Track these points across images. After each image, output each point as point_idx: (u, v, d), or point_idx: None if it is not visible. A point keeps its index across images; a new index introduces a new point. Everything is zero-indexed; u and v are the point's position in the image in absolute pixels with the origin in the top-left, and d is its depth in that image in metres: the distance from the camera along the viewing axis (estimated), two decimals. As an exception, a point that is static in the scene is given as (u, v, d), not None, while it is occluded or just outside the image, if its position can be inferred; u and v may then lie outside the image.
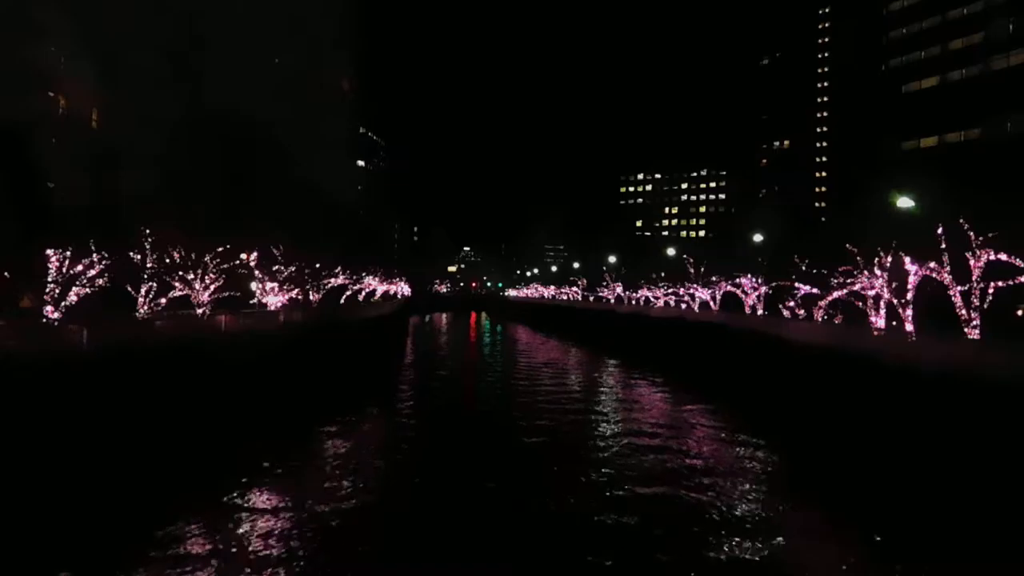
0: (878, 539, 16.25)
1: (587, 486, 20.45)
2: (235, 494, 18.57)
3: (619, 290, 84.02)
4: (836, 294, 34.18)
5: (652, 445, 25.56)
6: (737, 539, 16.22)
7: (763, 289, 46.53)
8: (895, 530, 16.69)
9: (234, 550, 15.05)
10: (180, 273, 31.53)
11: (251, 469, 20.72)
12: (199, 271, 32.06)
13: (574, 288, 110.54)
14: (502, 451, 24.89)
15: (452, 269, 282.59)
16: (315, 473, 21.22)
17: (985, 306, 24.80)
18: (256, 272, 40.21)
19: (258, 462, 21.42)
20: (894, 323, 30.50)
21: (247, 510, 17.59)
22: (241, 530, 16.21)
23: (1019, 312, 39.40)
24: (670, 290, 68.68)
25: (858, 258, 32.23)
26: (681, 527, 17.02)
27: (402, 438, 27.29)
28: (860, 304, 32.20)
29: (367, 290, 74.94)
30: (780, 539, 16.30)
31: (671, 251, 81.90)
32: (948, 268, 25.59)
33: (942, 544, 15.93)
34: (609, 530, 16.78)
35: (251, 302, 41.46)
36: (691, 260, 60.98)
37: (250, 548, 15.17)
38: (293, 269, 43.71)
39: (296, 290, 45.41)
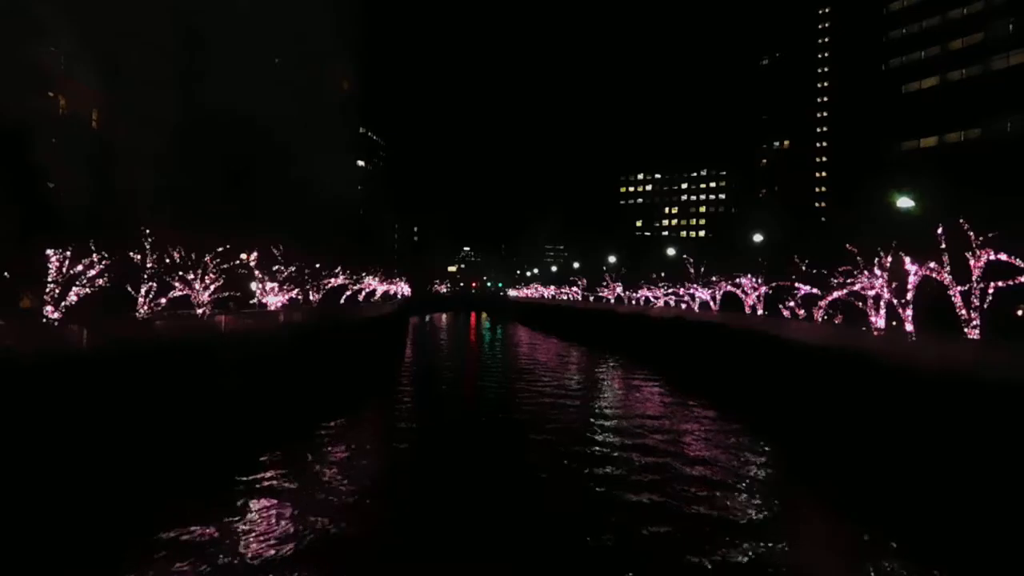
0: (882, 540, 16.25)
1: (588, 493, 20.47)
2: (233, 496, 18.58)
3: (619, 290, 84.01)
4: (836, 294, 34.15)
5: (653, 454, 25.55)
6: (737, 536, 16.24)
7: (763, 289, 46.51)
8: (899, 532, 16.69)
9: (230, 553, 15.03)
10: (180, 273, 31.51)
11: (249, 471, 20.75)
12: (199, 271, 32.06)
13: (574, 288, 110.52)
14: (502, 456, 24.76)
15: (452, 269, 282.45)
16: (315, 476, 21.20)
17: (985, 306, 24.78)
18: (256, 272, 40.20)
19: (257, 464, 21.45)
20: (894, 323, 30.50)
21: (245, 512, 17.59)
22: (238, 532, 16.20)
23: (1019, 312, 39.41)
24: (670, 290, 68.68)
25: (858, 258, 32.22)
26: (679, 514, 17.06)
27: (402, 441, 27.24)
28: (860, 304, 32.16)
29: (367, 290, 74.92)
30: (785, 540, 16.30)
31: (671, 251, 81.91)
32: (948, 268, 25.58)
33: (944, 546, 15.95)
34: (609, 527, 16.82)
35: (251, 302, 41.46)
36: (691, 260, 60.98)
37: (247, 551, 15.15)
38: (293, 269, 43.72)
39: (296, 290, 45.41)
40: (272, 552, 15.02)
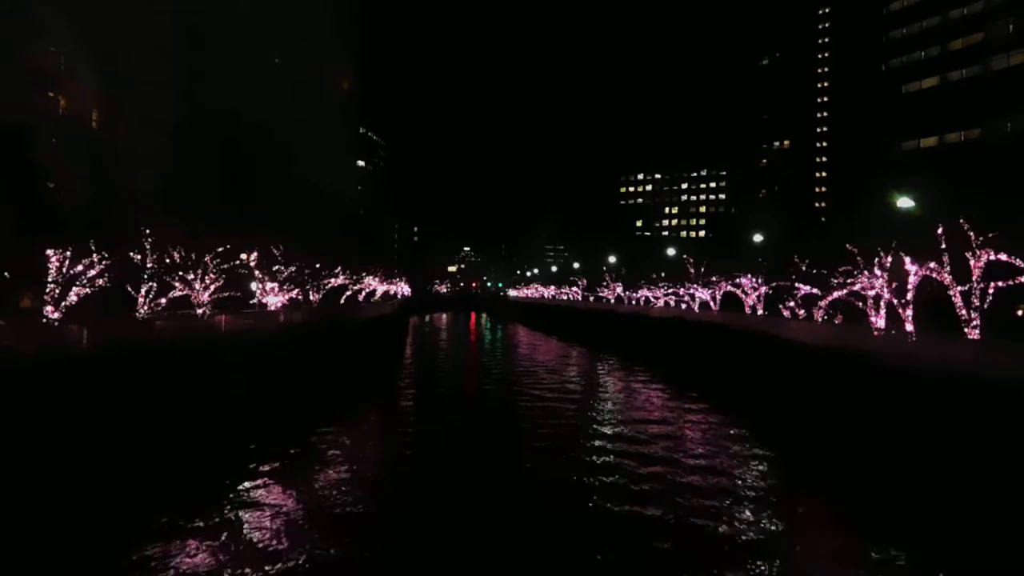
0: (882, 542, 16.25)
1: (588, 499, 20.46)
2: (231, 496, 18.56)
3: (619, 290, 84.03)
4: (836, 294, 34.17)
5: (653, 460, 25.54)
6: (736, 541, 16.24)
7: (763, 289, 46.53)
8: (900, 534, 16.69)
9: (228, 556, 15.00)
10: (180, 273, 31.56)
11: (248, 472, 20.73)
12: (199, 271, 32.08)
13: (574, 288, 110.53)
14: (502, 460, 24.55)
15: (452, 269, 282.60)
16: (313, 478, 21.15)
17: (985, 306, 24.79)
18: (256, 272, 40.22)
19: (255, 465, 21.44)
20: (894, 324, 30.51)
21: (243, 513, 17.57)
22: (235, 533, 16.14)
23: (1019, 312, 39.41)
24: (670, 290, 68.71)
25: (858, 258, 32.23)
26: (673, 501, 17.07)
27: (402, 443, 27.20)
28: (860, 304, 32.18)
29: (367, 290, 74.96)
30: (784, 543, 16.31)
31: (671, 251, 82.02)
32: (948, 268, 25.58)
33: (943, 547, 15.94)
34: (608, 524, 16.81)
35: (251, 302, 41.47)
36: (691, 260, 61.00)
37: (244, 555, 15.11)
38: (293, 269, 43.75)
39: (296, 290, 45.45)
40: (270, 556, 14.99)
